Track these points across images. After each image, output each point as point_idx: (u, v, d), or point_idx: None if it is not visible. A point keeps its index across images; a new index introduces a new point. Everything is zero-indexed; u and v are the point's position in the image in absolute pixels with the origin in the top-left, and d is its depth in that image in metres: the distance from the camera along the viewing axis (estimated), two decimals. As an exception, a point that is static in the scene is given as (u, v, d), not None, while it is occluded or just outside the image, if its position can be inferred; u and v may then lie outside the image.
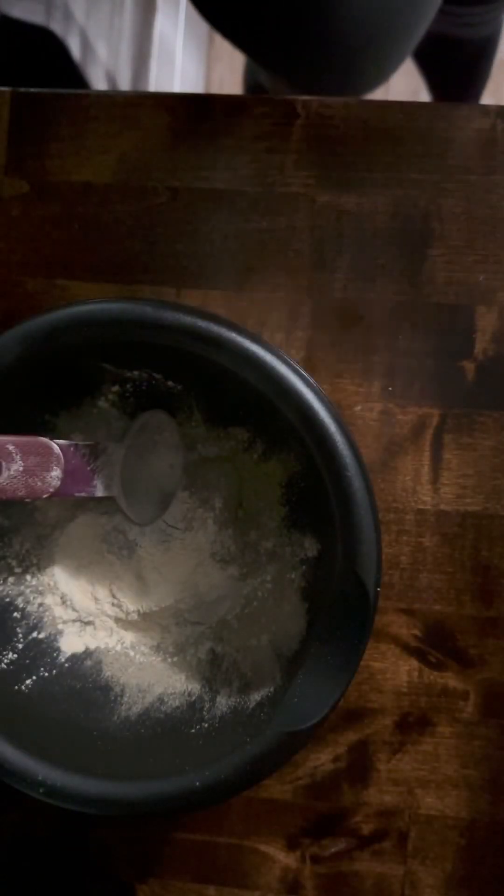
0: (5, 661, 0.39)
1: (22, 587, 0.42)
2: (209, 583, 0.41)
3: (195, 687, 0.40)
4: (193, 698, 0.39)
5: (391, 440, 0.44)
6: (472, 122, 0.44)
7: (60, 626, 0.41)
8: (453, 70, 0.92)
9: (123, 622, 0.42)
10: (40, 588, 0.42)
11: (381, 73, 0.61)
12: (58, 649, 0.41)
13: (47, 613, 0.42)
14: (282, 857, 0.44)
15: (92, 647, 0.41)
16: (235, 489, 0.42)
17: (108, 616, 0.42)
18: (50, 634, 0.41)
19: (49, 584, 0.42)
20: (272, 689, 0.37)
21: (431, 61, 0.91)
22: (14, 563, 0.42)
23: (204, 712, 0.39)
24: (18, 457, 0.34)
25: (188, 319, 0.35)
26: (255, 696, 0.38)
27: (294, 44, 0.54)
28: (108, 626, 0.42)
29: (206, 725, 0.38)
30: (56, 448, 0.36)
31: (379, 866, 0.43)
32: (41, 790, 0.35)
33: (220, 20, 0.56)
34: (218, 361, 0.35)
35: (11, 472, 0.34)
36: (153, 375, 0.40)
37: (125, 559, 0.42)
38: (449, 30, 0.81)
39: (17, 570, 0.42)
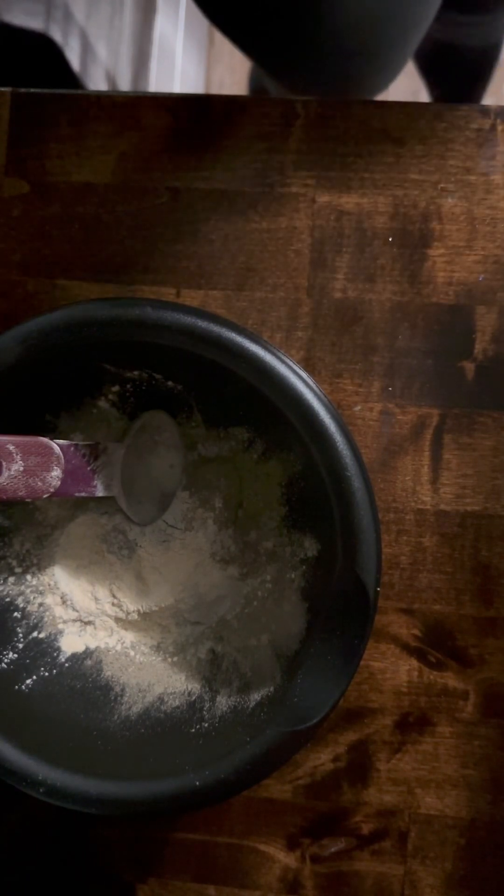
0: (5, 661, 0.39)
1: (22, 587, 0.42)
2: (209, 583, 0.41)
3: (195, 687, 0.40)
4: (193, 698, 0.39)
5: (391, 440, 0.44)
6: (472, 122, 0.44)
7: (61, 626, 0.41)
8: (455, 76, 0.93)
9: (123, 622, 0.42)
10: (40, 588, 0.42)
11: (380, 79, 0.61)
12: (58, 649, 0.41)
13: (47, 613, 0.42)
14: (282, 857, 0.44)
15: (92, 646, 0.41)
16: (235, 489, 0.42)
17: (109, 616, 0.42)
18: (50, 634, 0.41)
19: (49, 584, 0.42)
20: (272, 689, 0.37)
21: (434, 67, 0.91)
22: (14, 562, 0.42)
23: (204, 712, 0.39)
24: (19, 457, 0.34)
25: (188, 319, 0.35)
26: (255, 696, 0.38)
27: (290, 46, 0.54)
28: (109, 626, 0.42)
29: (206, 725, 0.38)
30: (56, 448, 0.36)
31: (379, 866, 0.43)
32: (41, 790, 0.35)
33: (221, 19, 0.56)
34: (218, 362, 0.35)
35: (12, 472, 0.34)
36: (153, 375, 0.40)
37: (125, 559, 0.42)
38: (452, 37, 0.81)
39: (18, 569, 0.42)
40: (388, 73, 0.61)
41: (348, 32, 0.52)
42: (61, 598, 0.42)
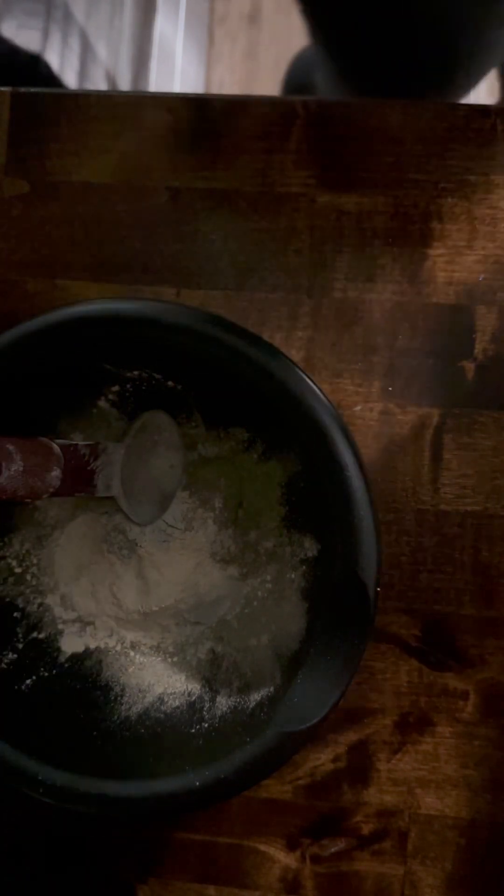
0: (5, 661, 0.39)
1: (22, 587, 0.42)
2: (209, 583, 0.41)
3: (195, 687, 0.40)
4: (193, 698, 0.39)
5: (391, 440, 0.44)
6: (472, 122, 0.44)
7: (60, 626, 0.41)
8: None
9: (124, 622, 0.42)
10: (40, 588, 0.42)
11: (467, 81, 0.60)
12: (58, 649, 0.41)
13: (47, 613, 0.42)
14: (282, 857, 0.44)
15: (92, 647, 0.41)
16: (235, 489, 0.42)
17: (109, 616, 0.42)
18: (50, 634, 0.41)
19: (49, 584, 0.42)
20: (272, 689, 0.37)
21: None
22: (14, 563, 0.42)
23: (204, 712, 0.39)
24: (18, 457, 0.34)
25: (188, 319, 0.35)
26: (255, 696, 0.38)
27: (388, 47, 0.53)
28: (109, 626, 0.42)
29: (206, 725, 0.38)
30: (56, 448, 0.36)
31: (379, 866, 0.43)
32: (41, 790, 0.35)
33: (319, 15, 0.55)
34: (218, 361, 0.35)
35: (11, 472, 0.34)
36: (153, 375, 0.40)
37: (125, 559, 0.42)
38: None
39: (17, 570, 0.42)
40: (477, 75, 0.60)
41: (447, 35, 0.52)
42: (61, 598, 0.42)
